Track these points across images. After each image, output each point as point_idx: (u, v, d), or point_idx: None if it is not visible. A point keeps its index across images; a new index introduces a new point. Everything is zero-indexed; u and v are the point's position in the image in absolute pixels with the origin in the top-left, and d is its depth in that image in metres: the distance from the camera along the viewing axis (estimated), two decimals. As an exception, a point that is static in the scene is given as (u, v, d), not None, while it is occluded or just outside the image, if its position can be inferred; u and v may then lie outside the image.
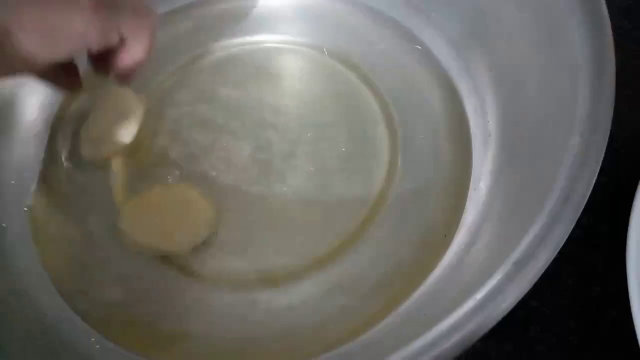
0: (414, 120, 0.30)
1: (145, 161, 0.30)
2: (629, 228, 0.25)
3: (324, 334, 0.24)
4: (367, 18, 0.34)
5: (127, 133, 0.29)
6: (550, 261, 0.17)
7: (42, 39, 0.20)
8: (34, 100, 0.31)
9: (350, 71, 0.32)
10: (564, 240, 0.17)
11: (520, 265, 0.16)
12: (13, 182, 0.29)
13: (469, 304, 0.16)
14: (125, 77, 0.25)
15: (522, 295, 0.16)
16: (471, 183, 0.27)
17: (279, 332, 0.25)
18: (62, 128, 0.31)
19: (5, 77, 0.21)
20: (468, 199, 0.26)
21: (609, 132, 0.18)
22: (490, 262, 0.19)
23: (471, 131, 0.29)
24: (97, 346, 0.24)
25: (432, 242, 0.26)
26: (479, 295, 0.16)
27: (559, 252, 0.21)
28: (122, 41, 0.23)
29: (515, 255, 0.17)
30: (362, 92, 0.32)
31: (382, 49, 0.33)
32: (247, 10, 0.35)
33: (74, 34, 0.21)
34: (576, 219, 0.17)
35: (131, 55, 0.24)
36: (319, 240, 0.27)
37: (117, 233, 0.27)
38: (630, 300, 0.23)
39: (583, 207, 0.17)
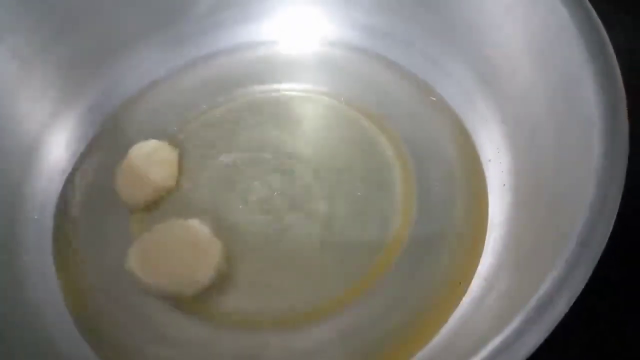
0: (428, 168, 0.31)
1: (163, 200, 0.31)
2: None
3: (338, 379, 0.24)
4: (383, 69, 0.35)
5: (168, 178, 0.31)
6: (569, 307, 0.17)
7: None
8: (62, 138, 0.32)
9: (367, 119, 0.33)
10: (582, 286, 0.17)
11: (540, 311, 0.17)
12: (36, 217, 0.30)
13: (488, 348, 0.16)
14: None
15: (540, 342, 0.16)
16: (486, 231, 0.27)
17: (292, 376, 0.25)
18: (83, 167, 0.32)
19: None
20: (484, 246, 0.27)
21: (624, 181, 0.19)
22: (508, 309, 0.20)
23: (486, 180, 0.29)
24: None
25: (448, 289, 0.26)
26: (498, 339, 0.16)
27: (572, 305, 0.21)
28: None
29: (534, 300, 0.17)
30: (378, 140, 0.32)
31: (398, 98, 0.34)
32: (269, 59, 0.36)
33: None
34: (594, 266, 0.17)
35: None
36: (333, 283, 0.27)
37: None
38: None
39: (600, 254, 0.18)
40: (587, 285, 0.17)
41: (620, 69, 0.22)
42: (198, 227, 0.28)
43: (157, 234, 0.28)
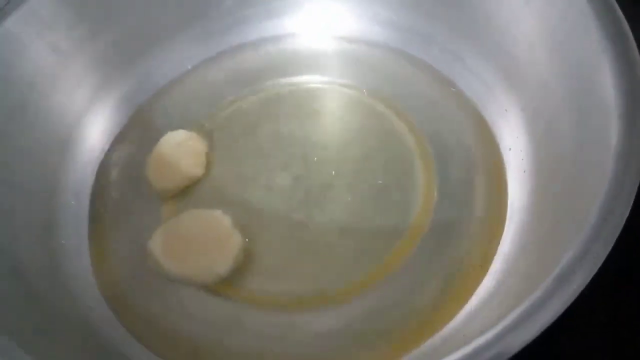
0: (449, 156, 0.32)
1: (192, 187, 0.32)
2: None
3: (362, 356, 0.25)
4: (403, 62, 0.36)
5: (197, 166, 0.32)
6: (589, 279, 0.17)
7: None
8: (97, 127, 0.34)
9: (388, 110, 0.34)
10: (603, 259, 0.18)
11: (559, 284, 0.17)
12: (73, 202, 0.31)
13: (510, 317, 0.17)
14: None
15: (558, 314, 0.17)
16: (507, 215, 0.28)
17: (319, 353, 0.26)
18: (116, 155, 0.34)
19: None
20: (504, 230, 0.27)
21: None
22: (527, 288, 0.20)
23: (505, 168, 0.30)
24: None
25: (469, 271, 0.27)
26: (518, 310, 0.17)
27: (592, 290, 0.22)
28: None
29: (554, 274, 0.18)
30: (398, 129, 0.33)
31: (419, 90, 0.35)
32: (293, 53, 0.37)
33: None
34: (612, 244, 0.18)
35: None
36: (357, 267, 0.28)
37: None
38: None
39: (619, 233, 0.18)
40: (604, 272, 0.18)
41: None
42: (220, 218, 0.29)
43: (180, 222, 0.29)
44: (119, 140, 0.34)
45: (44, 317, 0.26)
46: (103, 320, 0.27)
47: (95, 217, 0.32)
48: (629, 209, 0.19)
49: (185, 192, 0.32)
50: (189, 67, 0.37)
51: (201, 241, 0.28)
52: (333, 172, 0.32)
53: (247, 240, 0.29)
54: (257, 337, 0.27)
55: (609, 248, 0.18)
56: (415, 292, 0.27)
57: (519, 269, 0.24)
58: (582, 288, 0.17)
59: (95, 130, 0.34)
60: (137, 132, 0.35)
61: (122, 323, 0.28)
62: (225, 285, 0.28)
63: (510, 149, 0.30)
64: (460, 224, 0.29)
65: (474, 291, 0.26)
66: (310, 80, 0.36)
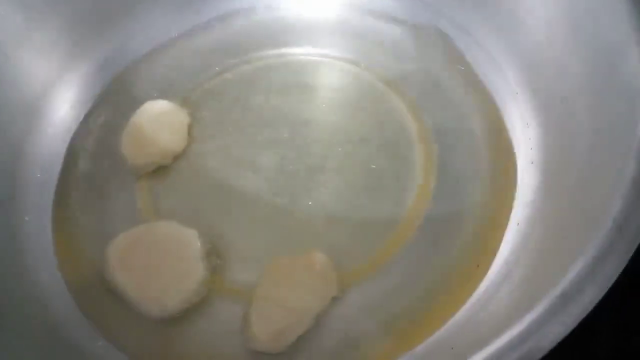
0: (452, 143, 0.29)
1: (170, 167, 0.29)
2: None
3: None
4: (408, 35, 0.33)
5: (177, 142, 0.29)
6: (600, 297, 0.15)
7: None
8: (68, 96, 0.31)
9: (388, 88, 0.31)
10: (617, 275, 0.15)
11: (565, 299, 0.15)
12: (39, 175, 0.29)
13: (504, 338, 0.14)
14: None
15: (565, 334, 0.15)
16: (511, 211, 0.25)
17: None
18: (90, 127, 0.31)
19: None
20: (506, 228, 0.25)
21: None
22: (528, 296, 0.18)
23: (515, 157, 0.27)
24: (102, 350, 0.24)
25: (464, 271, 0.24)
26: (516, 330, 0.15)
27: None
28: None
29: (561, 287, 0.15)
30: (398, 109, 0.30)
31: (422, 66, 0.32)
32: (288, 22, 0.34)
33: None
34: (631, 253, 0.15)
35: None
36: (344, 259, 0.26)
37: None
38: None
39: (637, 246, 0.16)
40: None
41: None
42: (193, 241, 0.25)
43: (147, 233, 0.26)
44: (94, 110, 0.32)
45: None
46: (63, 307, 0.25)
47: (63, 193, 0.29)
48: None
49: (163, 172, 0.29)
50: (175, 34, 0.34)
51: (162, 265, 0.24)
52: (324, 154, 0.29)
53: (215, 264, 0.26)
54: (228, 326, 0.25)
55: (625, 262, 0.15)
56: (404, 292, 0.25)
57: (520, 272, 0.21)
58: (589, 309, 0.14)
59: (68, 99, 0.31)
60: (114, 102, 0.32)
61: (82, 308, 0.25)
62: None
63: (519, 137, 0.27)
64: (458, 218, 0.26)
65: (469, 294, 0.23)
66: (305, 52, 0.33)
